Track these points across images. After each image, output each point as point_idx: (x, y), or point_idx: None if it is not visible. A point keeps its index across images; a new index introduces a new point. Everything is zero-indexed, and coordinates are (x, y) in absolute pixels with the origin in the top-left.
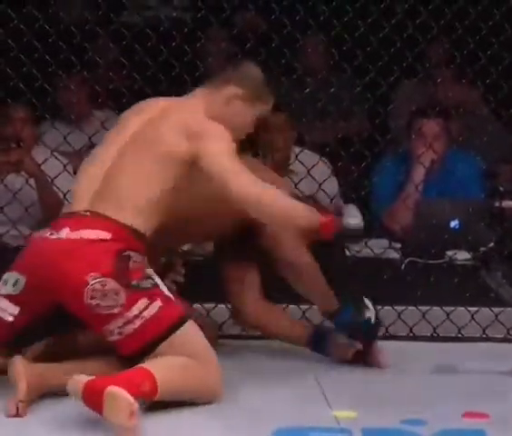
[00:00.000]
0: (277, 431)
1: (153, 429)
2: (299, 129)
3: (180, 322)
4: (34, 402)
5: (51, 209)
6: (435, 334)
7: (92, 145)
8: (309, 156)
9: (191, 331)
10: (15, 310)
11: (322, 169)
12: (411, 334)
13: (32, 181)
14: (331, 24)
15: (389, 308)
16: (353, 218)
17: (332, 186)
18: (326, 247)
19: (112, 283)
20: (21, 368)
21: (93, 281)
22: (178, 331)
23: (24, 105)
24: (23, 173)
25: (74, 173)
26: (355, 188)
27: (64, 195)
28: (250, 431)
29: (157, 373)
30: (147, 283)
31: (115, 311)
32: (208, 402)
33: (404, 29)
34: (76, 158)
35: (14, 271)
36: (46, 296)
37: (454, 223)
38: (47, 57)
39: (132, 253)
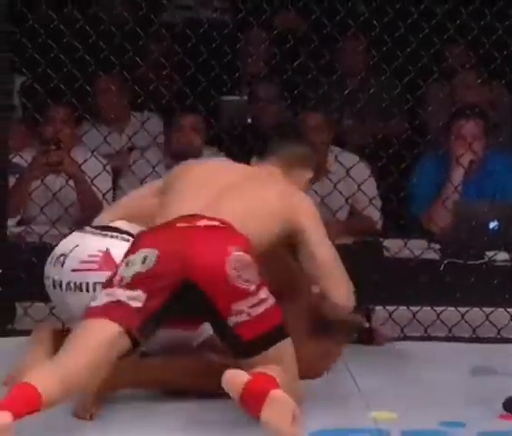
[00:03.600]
0: (314, 432)
1: None
2: (338, 130)
3: (284, 325)
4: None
5: (89, 209)
6: (474, 335)
7: (132, 147)
8: (348, 157)
9: (288, 339)
10: (142, 296)
11: (361, 170)
12: (450, 335)
13: (71, 181)
14: (371, 25)
15: (428, 309)
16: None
17: (371, 187)
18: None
19: (251, 259)
20: None
21: (236, 252)
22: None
23: (64, 106)
24: (62, 173)
25: (114, 173)
26: (394, 189)
27: (103, 196)
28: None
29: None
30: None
31: (252, 288)
32: None
33: (444, 30)
34: (116, 159)
35: (142, 248)
36: (177, 272)
37: (493, 224)
38: (87, 58)
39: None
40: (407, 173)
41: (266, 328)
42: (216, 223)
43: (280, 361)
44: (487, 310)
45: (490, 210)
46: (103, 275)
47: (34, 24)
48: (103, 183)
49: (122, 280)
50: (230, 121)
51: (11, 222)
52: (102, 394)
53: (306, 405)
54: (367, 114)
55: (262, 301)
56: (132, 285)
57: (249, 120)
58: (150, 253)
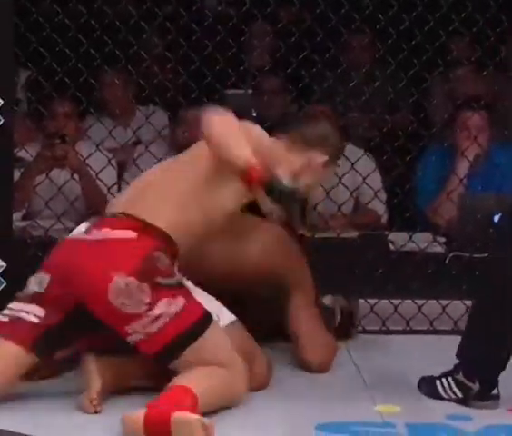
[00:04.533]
0: (320, 425)
1: None
2: (343, 123)
3: (202, 321)
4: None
5: (94, 203)
6: None
7: (137, 141)
8: (353, 151)
9: (215, 334)
10: (41, 312)
11: (366, 163)
12: (456, 328)
13: (76, 175)
14: (376, 18)
15: (434, 302)
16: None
17: (376, 181)
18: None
19: (136, 283)
20: (94, 365)
21: (119, 279)
22: (202, 334)
23: (69, 100)
24: (67, 167)
25: (119, 167)
26: (399, 182)
27: (109, 190)
28: (293, 425)
29: (195, 388)
30: (172, 281)
31: (140, 310)
32: (233, 406)
33: (449, 23)
34: (121, 153)
35: (39, 272)
36: (69, 295)
37: (498, 218)
38: (92, 52)
39: (159, 254)
40: (412, 166)
41: (168, 340)
42: (110, 236)
43: (202, 359)
44: None
45: (495, 203)
46: None
47: (38, 18)
48: (108, 177)
49: (25, 294)
50: (234, 114)
51: (16, 216)
52: (109, 388)
53: (312, 398)
54: (372, 107)
55: (158, 317)
56: (31, 301)
57: (253, 113)
58: (44, 277)
